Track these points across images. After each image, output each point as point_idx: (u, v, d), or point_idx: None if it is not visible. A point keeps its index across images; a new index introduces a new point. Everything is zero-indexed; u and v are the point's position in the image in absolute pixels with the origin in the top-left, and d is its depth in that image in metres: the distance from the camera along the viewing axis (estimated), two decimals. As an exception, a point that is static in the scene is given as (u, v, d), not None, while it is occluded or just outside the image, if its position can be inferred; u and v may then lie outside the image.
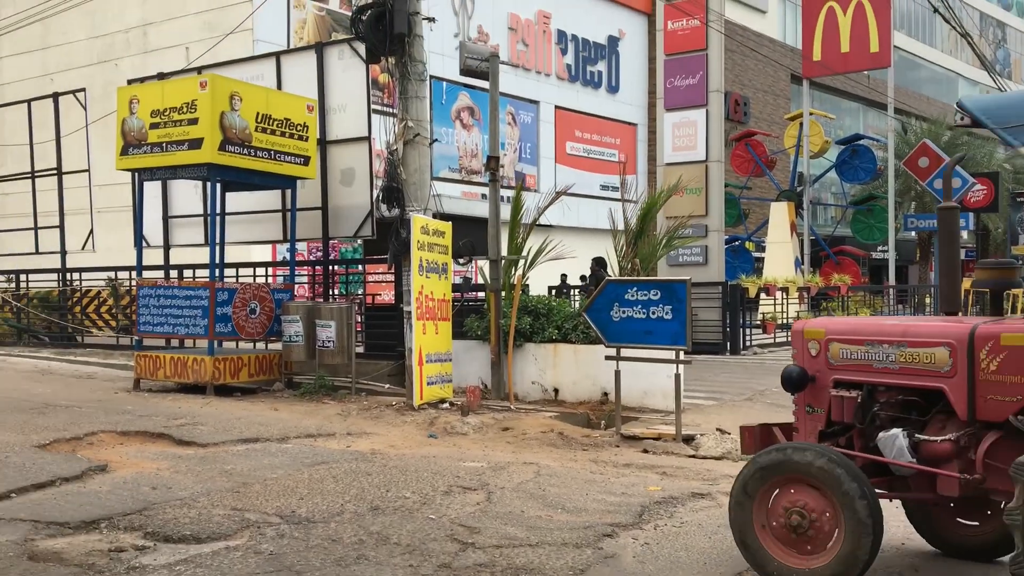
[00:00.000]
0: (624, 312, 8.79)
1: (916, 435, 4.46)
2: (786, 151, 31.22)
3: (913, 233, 33.78)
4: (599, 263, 14.57)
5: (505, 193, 18.00)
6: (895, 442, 4.45)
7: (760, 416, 10.09)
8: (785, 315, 19.52)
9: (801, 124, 28.02)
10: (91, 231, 17.59)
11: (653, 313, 8.64)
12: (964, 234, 37.80)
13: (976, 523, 4.97)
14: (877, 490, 4.39)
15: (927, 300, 27.17)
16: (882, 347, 4.62)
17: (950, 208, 4.83)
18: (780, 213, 25.50)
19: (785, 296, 19.60)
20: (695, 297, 16.36)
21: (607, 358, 9.05)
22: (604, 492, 6.64)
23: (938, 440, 4.37)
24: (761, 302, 19.41)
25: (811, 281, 21.82)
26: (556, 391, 11.19)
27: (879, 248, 33.36)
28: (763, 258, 26.59)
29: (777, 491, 4.45)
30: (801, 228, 27.22)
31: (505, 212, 11.92)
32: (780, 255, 24.76)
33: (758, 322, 19.24)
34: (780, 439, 5.08)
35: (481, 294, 12.63)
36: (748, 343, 17.32)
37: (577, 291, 15.73)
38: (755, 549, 4.47)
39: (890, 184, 27.59)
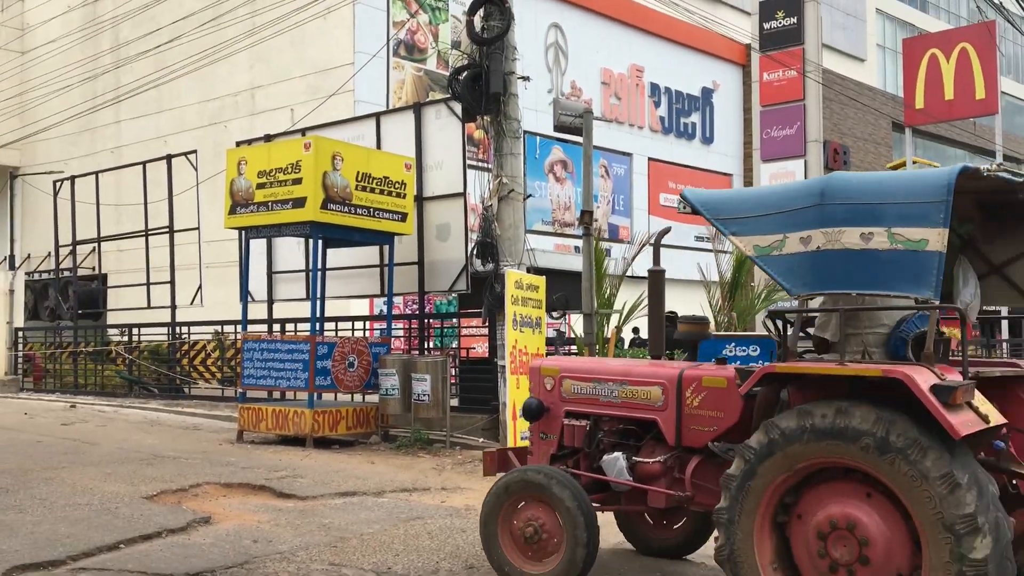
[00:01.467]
0: (722, 368, 8.62)
1: (633, 458, 5.40)
2: (889, 200, 30.40)
3: None
4: (671, 319, 14.37)
5: (604, 245, 18.04)
6: (616, 463, 5.39)
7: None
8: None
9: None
10: (199, 286, 18.27)
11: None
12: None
13: (670, 528, 6.16)
14: (598, 504, 5.49)
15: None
16: (607, 384, 5.62)
17: (658, 271, 5.86)
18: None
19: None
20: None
21: (705, 415, 8.86)
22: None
23: (650, 462, 5.33)
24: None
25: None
26: (652, 448, 11.00)
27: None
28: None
29: (517, 506, 5.36)
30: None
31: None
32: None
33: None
34: (515, 463, 5.99)
35: (575, 347, 12.57)
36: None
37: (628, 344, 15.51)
38: (498, 556, 5.40)
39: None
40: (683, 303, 14.64)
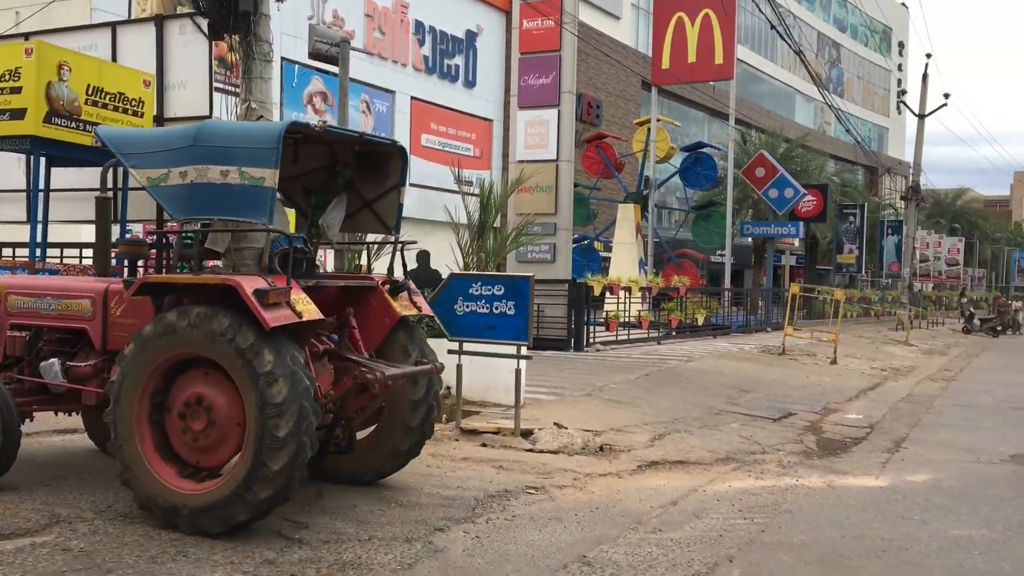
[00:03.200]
0: (468, 306, 8.81)
1: (67, 362, 6.09)
2: (634, 155, 32.14)
3: (749, 239, 35.44)
4: (424, 257, 14.51)
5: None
6: (52, 368, 6.03)
7: (599, 410, 10.34)
8: (628, 314, 20.09)
9: (649, 129, 28.90)
10: (-103, 203, 16.12)
11: (496, 308, 8.69)
12: (796, 242, 40.04)
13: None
14: (39, 406, 6.35)
15: (760, 303, 28.61)
16: (46, 299, 6.29)
17: (105, 199, 6.65)
18: (627, 215, 26.21)
19: (628, 295, 20.16)
20: (541, 294, 16.60)
21: (450, 352, 9.03)
22: (439, 486, 6.62)
23: (82, 365, 6.06)
24: (605, 301, 19.90)
25: (653, 282, 22.53)
26: (399, 384, 11.08)
27: (718, 252, 34.83)
28: (609, 258, 27.27)
29: None
30: (646, 230, 28.07)
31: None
32: (625, 255, 25.44)
33: (601, 320, 19.70)
34: None
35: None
36: (591, 340, 17.70)
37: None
38: None
39: (729, 191, 28.85)
40: (440, 245, 14.78)
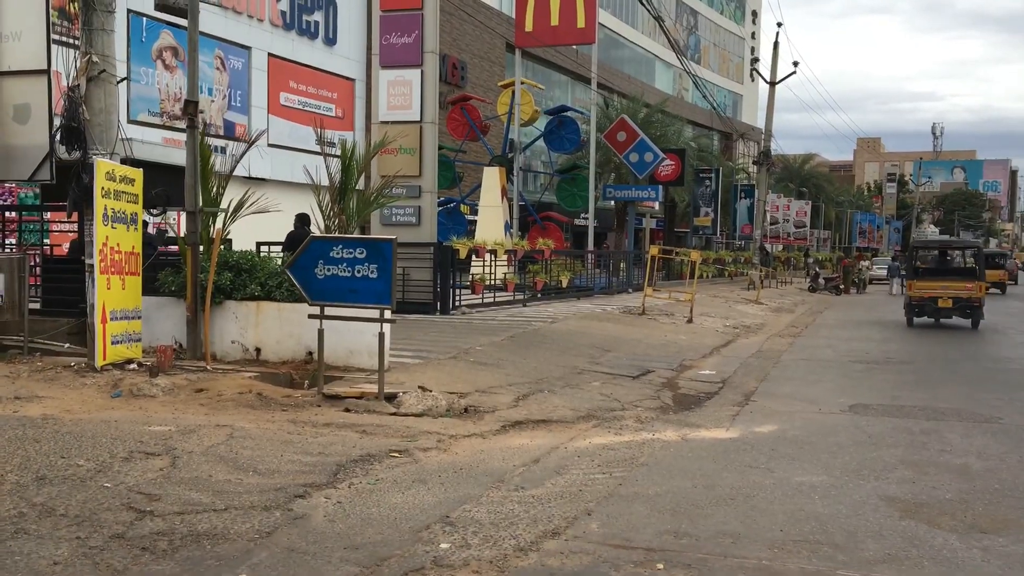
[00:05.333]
0: (329, 270, 8.63)
1: None
2: (499, 118, 32.15)
3: (611, 202, 36.18)
4: (302, 220, 14.14)
5: (215, 143, 16.97)
6: None
7: (464, 373, 10.38)
8: (493, 277, 20.20)
9: (513, 92, 28.94)
10: None
11: (358, 272, 8.55)
12: (656, 205, 41.13)
13: None
14: None
15: (622, 265, 29.30)
16: None
17: None
18: (492, 178, 26.25)
19: (494, 258, 20.26)
20: (407, 257, 16.47)
21: (311, 316, 8.86)
22: (300, 453, 6.50)
23: None
24: (472, 264, 19.94)
25: (519, 244, 22.71)
26: (258, 351, 10.80)
27: (581, 215, 35.42)
28: (476, 221, 27.29)
29: None
30: (511, 193, 28.22)
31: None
32: (491, 218, 25.51)
33: (468, 283, 19.73)
34: None
35: (178, 248, 11.84)
36: (457, 303, 17.72)
37: (281, 249, 15.02)
38: None
39: (591, 155, 29.32)
40: (299, 207, 14.39)
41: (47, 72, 10.90)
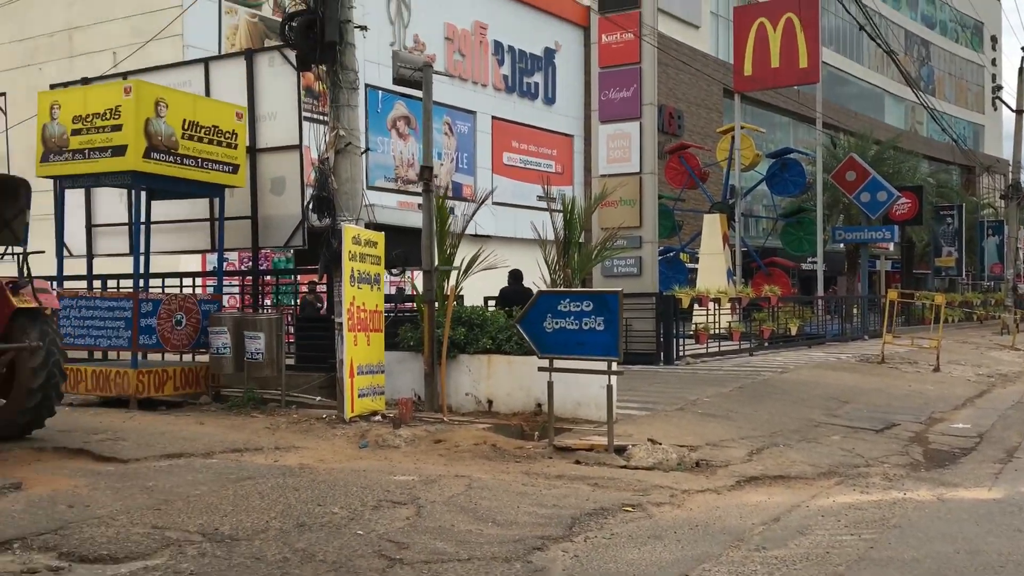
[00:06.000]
0: (557, 323, 8.78)
1: None
2: (719, 164, 31.70)
3: (841, 245, 34.54)
4: (515, 276, 14.52)
5: (446, 203, 17.84)
6: None
7: (692, 425, 10.18)
8: (717, 326, 19.78)
9: (733, 137, 28.47)
10: (11, 240, 16.95)
11: (585, 324, 8.64)
12: (891, 246, 38.87)
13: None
14: None
15: (855, 310, 27.79)
16: None
17: None
18: (713, 225, 25.84)
19: (717, 307, 19.85)
20: (629, 308, 16.46)
21: (540, 369, 9.03)
22: (535, 504, 6.60)
23: None
24: (694, 313, 19.64)
25: (743, 292, 22.14)
26: (490, 402, 11.13)
27: (809, 259, 34.04)
28: (697, 269, 26.91)
29: None
30: (733, 240, 27.64)
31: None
32: (713, 266, 25.08)
33: (691, 333, 19.43)
34: None
35: (415, 305, 12.51)
36: (681, 353, 17.47)
37: (495, 305, 15.43)
38: None
39: (818, 197, 28.19)
40: (523, 262, 14.82)
41: (299, 147, 11.98)
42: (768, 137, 39.29)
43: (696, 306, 18.98)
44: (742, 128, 28.69)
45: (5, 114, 16.97)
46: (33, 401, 8.23)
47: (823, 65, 30.47)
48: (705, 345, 18.80)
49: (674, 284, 24.45)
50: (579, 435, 9.41)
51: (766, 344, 20.91)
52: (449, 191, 27.25)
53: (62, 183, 11.80)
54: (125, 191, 12.47)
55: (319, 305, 14.46)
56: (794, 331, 22.25)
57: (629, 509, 6.59)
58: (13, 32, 22.27)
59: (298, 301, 14.80)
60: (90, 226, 13.48)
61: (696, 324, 19.52)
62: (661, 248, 24.56)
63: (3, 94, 17.15)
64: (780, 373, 15.27)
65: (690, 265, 29.86)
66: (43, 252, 9.12)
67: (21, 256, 8.41)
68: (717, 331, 19.62)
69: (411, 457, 8.39)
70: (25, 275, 8.27)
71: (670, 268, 28.55)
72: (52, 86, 13.49)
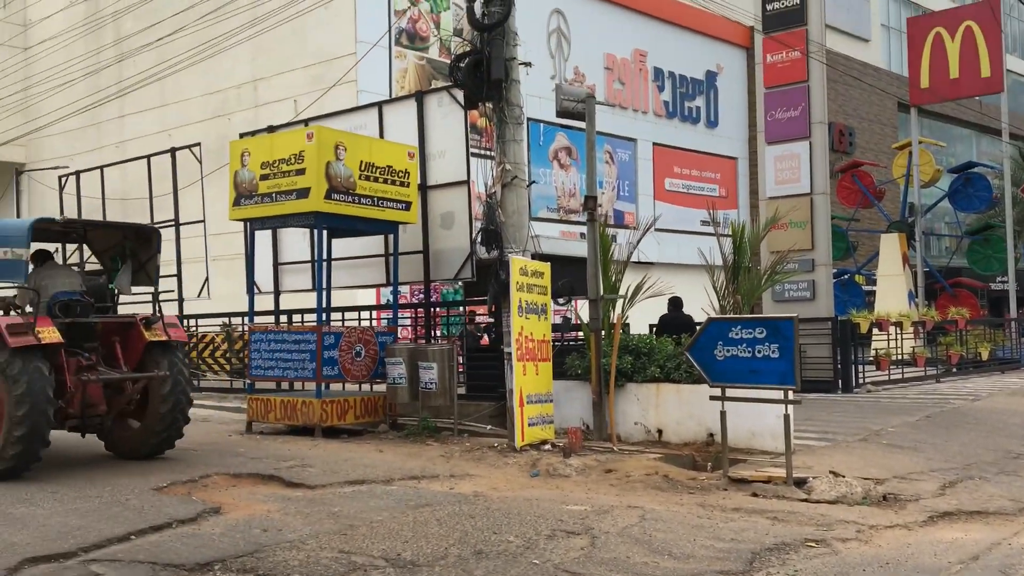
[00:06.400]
0: (728, 351, 8.59)
1: None
2: (895, 181, 30.20)
3: (1035, 262, 32.09)
4: (675, 303, 14.29)
5: (608, 232, 17.87)
6: None
7: (877, 457, 9.69)
8: (900, 351, 18.79)
9: (910, 153, 27.10)
10: (206, 279, 18.28)
11: (759, 352, 8.41)
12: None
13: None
14: None
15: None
16: None
17: None
18: (891, 245, 24.63)
19: (899, 331, 18.86)
20: (803, 333, 15.73)
21: (712, 398, 8.85)
22: (712, 538, 6.46)
23: None
24: (874, 338, 18.72)
25: (927, 315, 20.94)
26: (660, 432, 11.00)
27: (998, 279, 31.78)
28: (874, 292, 25.68)
29: None
30: (914, 260, 26.21)
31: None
32: (892, 288, 23.88)
33: (871, 359, 18.53)
34: None
35: (581, 333, 12.56)
36: (861, 381, 16.68)
37: (654, 332, 15.18)
38: None
39: (1007, 212, 26.36)
40: (688, 288, 14.61)
41: (467, 183, 12.33)
42: (948, 151, 37.13)
43: (875, 331, 18.12)
44: (920, 143, 27.25)
45: (200, 162, 18.44)
46: (163, 424, 9.21)
47: (1007, 73, 28.59)
48: (887, 372, 17.88)
49: (851, 308, 23.38)
50: (755, 466, 9.14)
51: (954, 370, 19.68)
52: (611, 219, 27.24)
53: (252, 225, 12.61)
54: (308, 230, 13.20)
55: (479, 335, 14.79)
56: (985, 356, 20.83)
57: (812, 544, 6.34)
58: (204, 86, 24.11)
59: (463, 331, 15.20)
60: (277, 264, 14.33)
61: (876, 350, 18.61)
62: (835, 270, 23.60)
63: (198, 144, 18.68)
64: (972, 401, 14.31)
65: (867, 288, 28.51)
66: (171, 292, 10.89)
67: (156, 296, 9.60)
68: (900, 357, 18.63)
69: (582, 487, 8.40)
70: (156, 312, 9.37)
71: (845, 291, 27.35)
72: (241, 135, 14.49)
